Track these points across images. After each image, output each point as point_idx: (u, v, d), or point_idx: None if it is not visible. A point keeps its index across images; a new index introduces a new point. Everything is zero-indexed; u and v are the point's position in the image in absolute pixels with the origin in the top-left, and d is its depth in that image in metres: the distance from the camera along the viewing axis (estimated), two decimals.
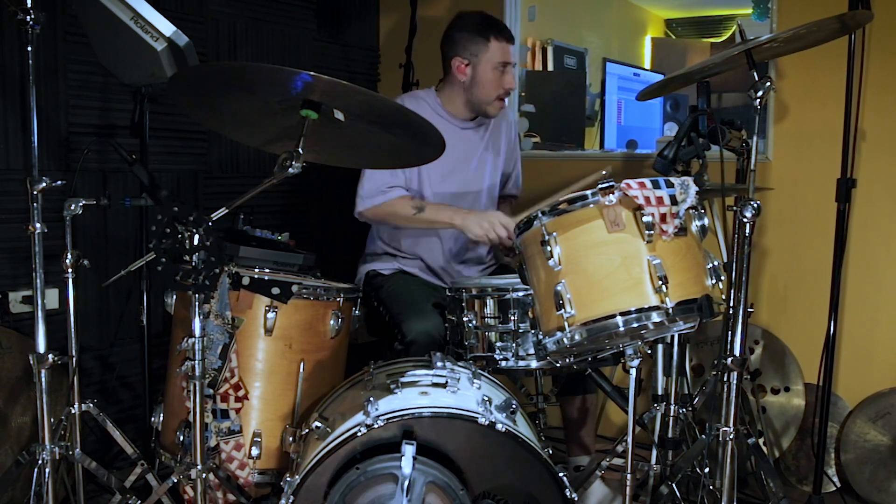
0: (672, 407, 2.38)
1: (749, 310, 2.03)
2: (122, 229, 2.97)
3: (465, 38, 2.69)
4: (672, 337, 2.36)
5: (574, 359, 2.08)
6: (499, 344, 2.22)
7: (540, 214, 1.87)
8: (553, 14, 4.64)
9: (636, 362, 1.89)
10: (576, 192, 1.86)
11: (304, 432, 2.04)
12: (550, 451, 1.95)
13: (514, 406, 1.90)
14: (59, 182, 2.05)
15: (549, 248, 1.83)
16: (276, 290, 2.17)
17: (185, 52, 2.18)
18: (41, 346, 2.05)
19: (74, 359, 2.20)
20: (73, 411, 2.21)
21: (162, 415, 2.32)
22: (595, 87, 4.96)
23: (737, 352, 1.93)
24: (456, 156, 2.74)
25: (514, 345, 2.20)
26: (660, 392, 2.40)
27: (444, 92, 2.79)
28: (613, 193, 1.80)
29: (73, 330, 2.20)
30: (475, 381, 2.01)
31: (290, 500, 1.76)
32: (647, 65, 6.13)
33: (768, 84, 1.90)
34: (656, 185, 1.80)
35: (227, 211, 1.77)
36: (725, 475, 1.95)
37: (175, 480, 2.11)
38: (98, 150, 2.86)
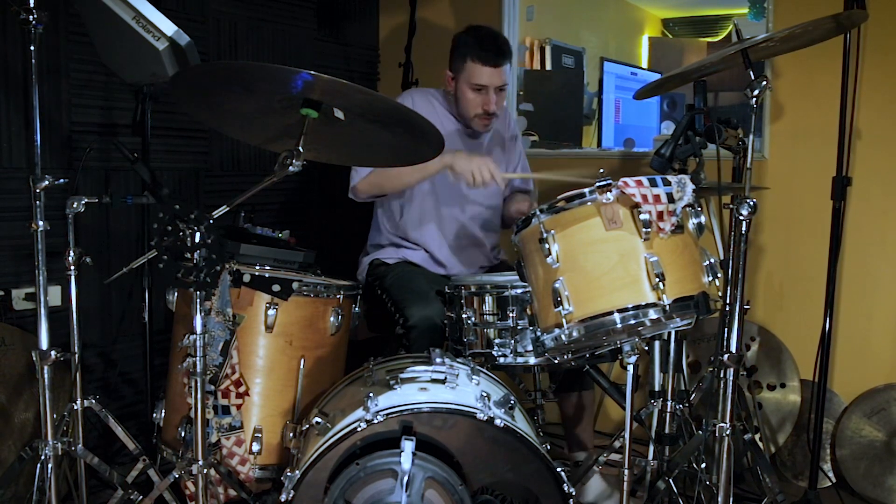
0: (669, 403, 2.40)
1: (745, 307, 2.04)
2: (124, 227, 2.98)
3: (453, 52, 2.74)
4: (669, 334, 2.37)
5: (572, 355, 2.10)
6: (497, 340, 2.24)
7: (538, 212, 1.89)
8: (551, 14, 4.65)
9: (633, 359, 1.91)
10: (575, 191, 1.88)
11: (304, 428, 2.05)
12: (548, 447, 1.97)
13: (512, 402, 1.91)
14: (61, 180, 2.05)
15: (547, 246, 1.85)
16: (276, 288, 2.19)
17: (187, 52, 2.19)
18: (44, 343, 2.06)
19: (77, 355, 2.21)
20: (75, 407, 2.22)
21: (163, 411, 2.34)
22: (593, 86, 4.98)
23: (733, 348, 1.95)
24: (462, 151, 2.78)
25: (512, 341, 2.22)
26: (657, 388, 2.42)
27: (448, 94, 2.83)
28: (611, 191, 1.82)
29: (75, 327, 2.22)
30: (474, 377, 2.03)
31: (291, 496, 1.78)
32: (645, 64, 6.15)
33: (764, 83, 1.92)
34: (653, 184, 1.82)
35: (227, 209, 1.78)
36: (722, 471, 1.97)
37: (176, 476, 2.14)
38: (100, 149, 2.87)
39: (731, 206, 1.94)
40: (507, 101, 2.88)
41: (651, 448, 2.43)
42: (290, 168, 1.75)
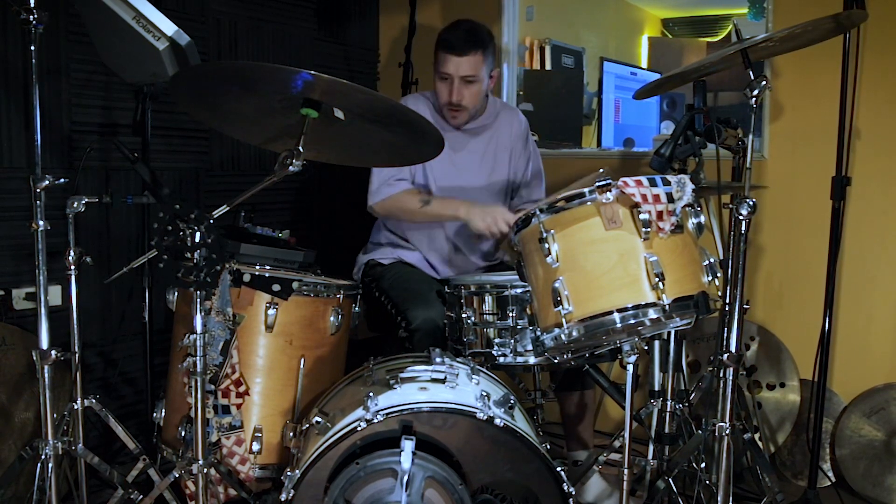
0: (668, 403, 2.40)
1: (745, 306, 2.05)
2: (125, 227, 2.98)
3: None
4: (669, 333, 2.37)
5: (571, 355, 2.11)
6: (497, 340, 2.24)
7: (538, 212, 1.90)
8: (551, 14, 4.66)
9: (633, 358, 1.91)
10: (574, 191, 1.88)
11: (304, 427, 2.06)
12: (548, 446, 1.97)
13: (512, 401, 1.92)
14: (61, 180, 2.06)
15: (547, 246, 1.85)
16: (276, 287, 2.19)
17: (187, 52, 2.19)
18: (44, 343, 2.06)
19: (77, 355, 2.21)
20: (75, 407, 2.22)
21: (164, 410, 2.34)
22: (592, 85, 4.98)
23: (733, 348, 1.95)
24: (456, 156, 2.78)
25: (512, 341, 2.22)
26: (656, 388, 2.42)
27: None
28: (611, 191, 1.82)
29: (75, 326, 2.22)
30: (474, 376, 2.03)
31: (291, 495, 1.78)
32: (644, 64, 6.15)
33: (764, 83, 1.92)
34: (653, 183, 1.82)
35: (228, 209, 1.78)
36: (721, 470, 1.97)
37: (177, 475, 2.14)
38: (100, 149, 2.87)
39: (730, 205, 1.94)
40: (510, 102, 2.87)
41: (651, 447, 2.43)
42: (290, 168, 1.75)
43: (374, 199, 2.74)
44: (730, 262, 1.99)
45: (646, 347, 2.41)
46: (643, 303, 1.80)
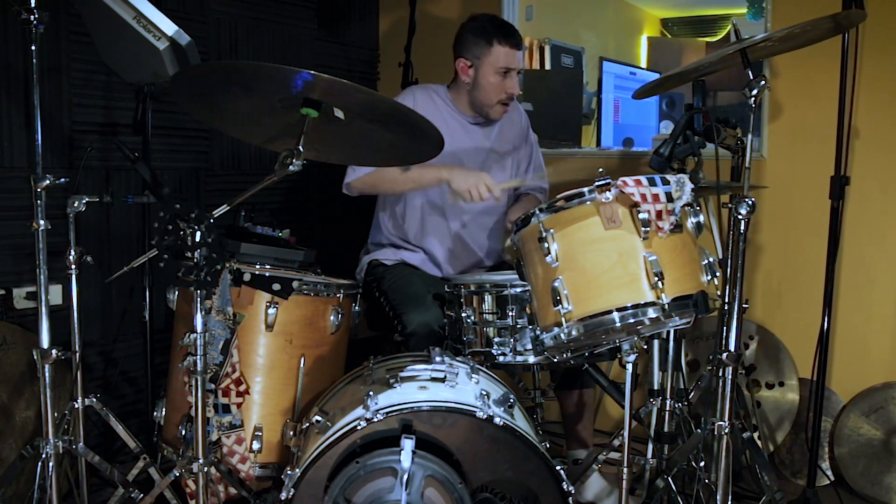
0: (668, 402, 2.40)
1: (744, 306, 2.05)
2: (125, 226, 2.99)
3: (471, 39, 2.70)
4: (668, 332, 2.38)
5: (571, 354, 2.11)
6: (497, 339, 2.24)
7: (537, 211, 1.90)
8: (550, 13, 4.66)
9: (632, 357, 1.92)
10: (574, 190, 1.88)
11: (304, 426, 2.06)
12: (548, 445, 1.98)
13: (511, 400, 1.92)
14: (62, 179, 2.06)
15: (546, 245, 1.86)
16: (276, 286, 2.19)
17: (187, 52, 2.20)
18: (45, 342, 2.07)
19: (77, 354, 2.22)
20: (76, 406, 2.22)
21: (164, 409, 2.35)
22: (592, 85, 4.99)
23: (732, 347, 1.96)
24: (464, 152, 2.77)
25: (511, 340, 2.22)
26: (656, 387, 2.42)
27: (453, 90, 2.81)
28: (610, 190, 1.82)
29: (76, 325, 2.22)
30: (473, 375, 2.03)
31: (291, 494, 1.78)
32: (644, 64, 6.15)
33: (763, 83, 1.93)
34: (652, 183, 1.82)
35: (228, 208, 1.79)
36: (720, 469, 1.98)
37: (177, 474, 2.14)
38: (101, 148, 2.88)
39: (729, 205, 1.95)
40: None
41: (650, 446, 2.43)
42: (291, 167, 1.76)
43: (356, 175, 2.70)
44: (729, 261, 1.99)
45: (645, 346, 2.42)
46: (642, 302, 1.80)
